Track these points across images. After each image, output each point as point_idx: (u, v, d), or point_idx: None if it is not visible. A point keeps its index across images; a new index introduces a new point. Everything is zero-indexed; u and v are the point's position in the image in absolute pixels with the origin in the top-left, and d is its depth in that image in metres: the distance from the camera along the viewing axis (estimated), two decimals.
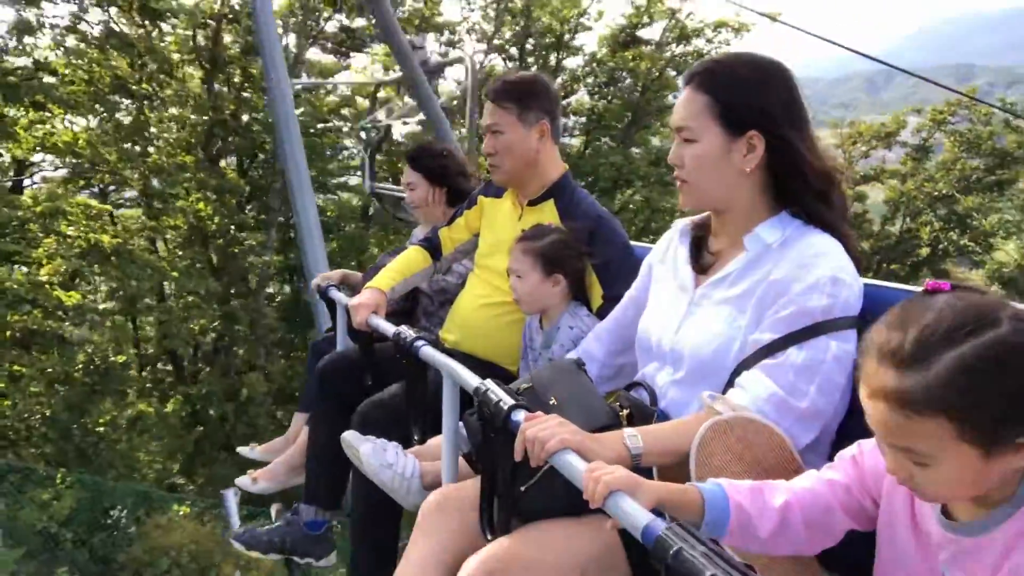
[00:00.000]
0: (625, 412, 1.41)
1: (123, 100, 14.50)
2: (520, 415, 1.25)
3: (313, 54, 17.02)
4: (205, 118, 14.59)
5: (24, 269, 12.48)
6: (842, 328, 1.28)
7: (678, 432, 1.26)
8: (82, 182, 14.76)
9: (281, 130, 4.84)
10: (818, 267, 1.30)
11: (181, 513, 10.95)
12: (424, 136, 8.62)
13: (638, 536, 0.94)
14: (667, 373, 1.46)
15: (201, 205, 14.69)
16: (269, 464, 2.67)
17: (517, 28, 18.20)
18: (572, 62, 18.80)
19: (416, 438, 1.88)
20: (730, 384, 1.34)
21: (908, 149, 19.12)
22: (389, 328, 1.94)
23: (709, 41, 17.80)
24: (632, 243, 2.07)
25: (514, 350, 2.10)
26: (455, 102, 12.48)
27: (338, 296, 2.48)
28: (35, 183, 15.11)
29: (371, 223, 17.34)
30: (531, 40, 18.26)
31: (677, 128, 1.44)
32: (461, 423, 1.58)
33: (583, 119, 18.83)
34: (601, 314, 1.87)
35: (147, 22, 14.03)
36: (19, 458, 12.06)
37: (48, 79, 13.06)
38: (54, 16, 13.24)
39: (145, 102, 14.43)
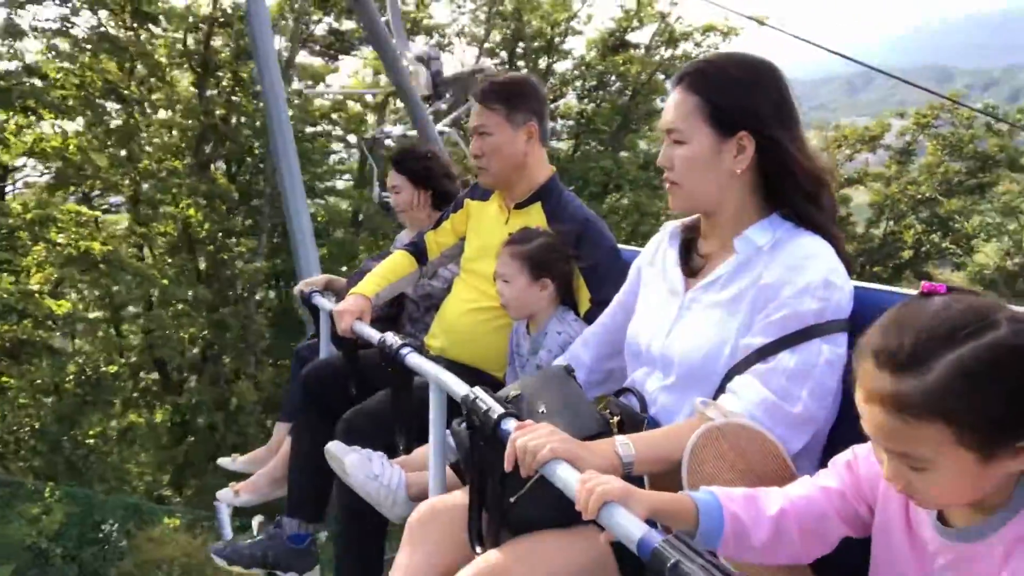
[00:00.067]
0: (615, 419, 1.39)
1: (114, 105, 14.42)
2: (510, 424, 1.23)
3: (302, 57, 16.99)
4: (196, 122, 14.52)
5: (12, 278, 12.32)
6: (834, 331, 1.27)
7: (670, 439, 1.24)
8: (70, 188, 14.62)
9: (275, 134, 4.80)
10: (809, 270, 1.29)
11: (172, 526, 10.83)
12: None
13: (633, 548, 0.93)
14: (657, 378, 1.44)
15: (192, 211, 14.58)
16: (252, 476, 2.62)
17: (507, 32, 18.25)
18: (562, 66, 18.91)
19: (402, 447, 1.85)
20: (721, 389, 1.32)
21: (891, 152, 19.38)
22: (374, 335, 1.91)
23: (698, 45, 17.98)
24: (620, 246, 2.05)
25: (501, 356, 2.08)
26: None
27: (321, 302, 2.45)
28: (16, 188, 14.91)
29: (361, 228, 17.29)
30: (521, 44, 18.31)
31: (667, 129, 1.42)
32: (448, 432, 1.55)
33: (571, 123, 18.90)
34: (589, 318, 1.85)
35: (137, 25, 13.94)
36: (7, 472, 11.93)
37: (38, 83, 12.95)
38: (45, 20, 13.15)
39: (136, 106, 14.34)
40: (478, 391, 1.34)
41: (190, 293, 14.00)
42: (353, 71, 18.39)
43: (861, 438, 1.02)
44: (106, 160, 13.66)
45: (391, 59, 6.93)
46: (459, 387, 1.44)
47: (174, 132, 15.00)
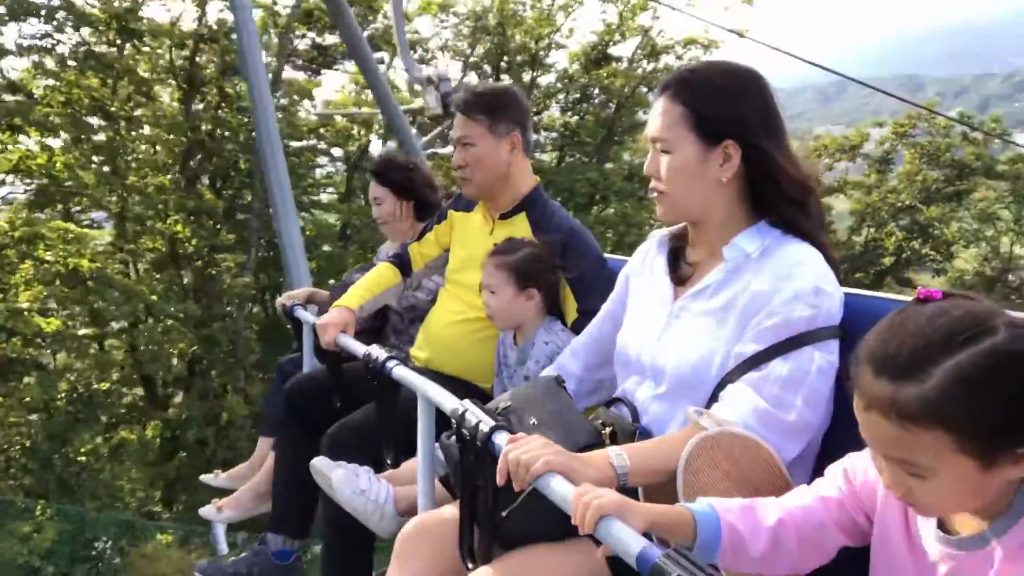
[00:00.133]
0: (608, 430, 1.36)
1: (99, 121, 14.35)
2: (502, 437, 1.21)
3: (286, 72, 16.97)
4: (182, 138, 14.47)
5: (0, 296, 12.17)
6: (825, 338, 1.27)
7: (663, 449, 1.22)
8: (58, 205, 14.47)
9: (264, 149, 4.79)
10: (799, 277, 1.29)
11: (165, 542, 10.67)
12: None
13: (632, 563, 0.91)
14: (648, 388, 1.43)
15: (179, 227, 14.50)
16: (235, 492, 2.56)
17: (490, 45, 18.37)
18: (546, 79, 19.07)
19: (389, 461, 1.82)
20: (714, 398, 1.31)
21: (870, 161, 19.74)
22: (359, 348, 1.88)
23: (679, 58, 18.19)
24: (606, 255, 2.04)
25: (488, 367, 2.06)
26: None
27: (304, 315, 2.42)
28: None
29: (350, 242, 17.24)
30: (506, 58, 18.44)
31: (652, 139, 1.42)
32: (437, 445, 1.52)
33: (555, 135, 19.04)
34: (576, 328, 1.83)
35: (121, 41, 13.91)
36: None
37: (23, 100, 12.86)
38: (31, 37, 13.04)
39: (122, 123, 14.26)
40: (468, 404, 1.32)
41: (174, 308, 13.86)
42: (340, 86, 18.42)
43: (854, 445, 1.01)
44: (93, 177, 13.55)
45: (372, 73, 6.95)
46: (448, 400, 1.42)
47: (158, 148, 14.93)
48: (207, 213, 14.89)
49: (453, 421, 1.33)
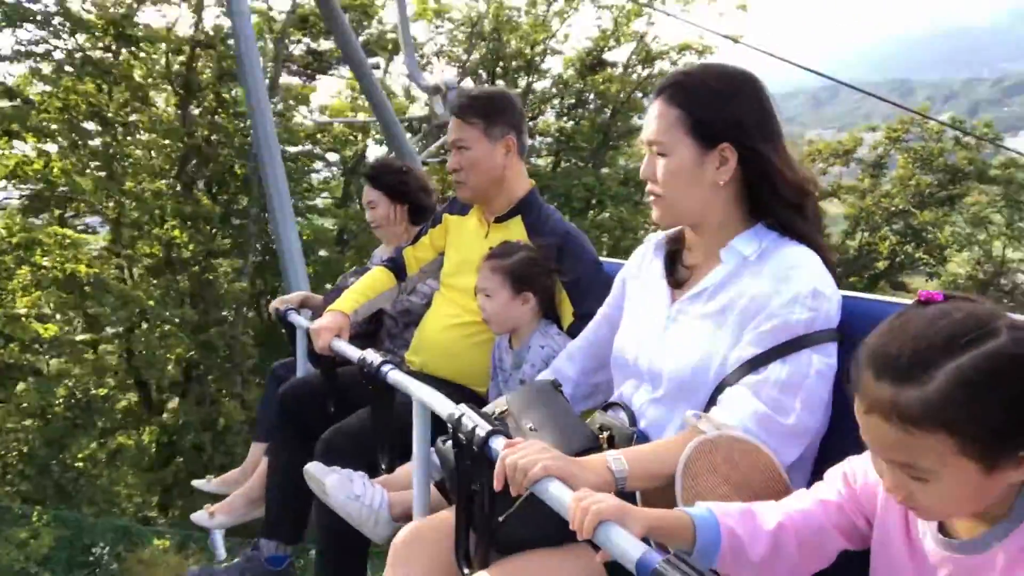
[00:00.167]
0: (605, 434, 1.35)
1: (95, 127, 14.33)
2: (499, 441, 1.20)
3: (281, 78, 16.98)
4: (179, 144, 14.47)
5: None
6: (823, 341, 1.26)
7: (662, 453, 1.21)
8: (55, 211, 14.42)
9: (262, 153, 4.80)
10: (798, 280, 1.28)
11: (162, 547, 10.61)
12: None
13: (631, 569, 0.90)
14: (645, 391, 1.42)
15: (175, 232, 14.48)
16: (227, 497, 2.54)
17: (486, 51, 18.42)
18: (541, 84, 19.12)
19: (383, 466, 1.80)
20: (711, 401, 1.30)
21: (863, 166, 19.86)
22: (353, 352, 1.87)
23: (674, 63, 18.25)
24: (602, 259, 2.03)
25: (483, 371, 2.05)
26: None
27: (297, 320, 2.41)
28: None
29: (347, 247, 17.22)
30: (501, 64, 18.48)
31: (648, 142, 1.41)
32: (432, 450, 1.51)
33: (550, 140, 19.07)
34: (572, 332, 1.82)
35: (116, 46, 13.91)
36: None
37: (19, 105, 12.84)
38: (27, 43, 13.03)
39: (119, 128, 14.25)
40: (464, 408, 1.31)
41: (170, 313, 13.83)
42: (336, 91, 18.44)
43: (853, 449, 1.01)
44: (90, 182, 13.54)
45: (367, 78, 6.97)
46: (444, 405, 1.41)
47: (154, 153, 14.92)
48: (203, 218, 14.89)
49: (449, 425, 1.31)
